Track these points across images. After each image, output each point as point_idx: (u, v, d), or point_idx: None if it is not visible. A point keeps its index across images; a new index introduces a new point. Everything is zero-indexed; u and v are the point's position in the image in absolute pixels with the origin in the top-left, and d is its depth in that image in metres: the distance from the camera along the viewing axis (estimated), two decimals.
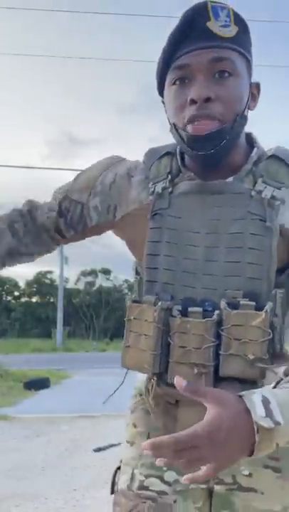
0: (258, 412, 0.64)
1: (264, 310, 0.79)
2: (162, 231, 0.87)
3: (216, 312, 0.80)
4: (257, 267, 0.82)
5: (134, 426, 0.96)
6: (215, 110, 0.80)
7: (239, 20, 0.82)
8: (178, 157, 0.92)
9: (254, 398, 0.66)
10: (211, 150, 0.81)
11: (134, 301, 0.88)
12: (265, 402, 0.65)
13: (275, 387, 0.71)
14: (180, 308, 0.83)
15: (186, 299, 0.84)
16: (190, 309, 0.82)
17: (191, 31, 0.80)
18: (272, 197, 0.83)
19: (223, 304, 0.80)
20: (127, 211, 0.94)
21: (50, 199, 1.04)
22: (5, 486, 3.13)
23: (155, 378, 0.86)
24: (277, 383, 0.72)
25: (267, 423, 0.63)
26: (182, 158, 0.92)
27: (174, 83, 0.84)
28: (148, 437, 0.89)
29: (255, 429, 0.63)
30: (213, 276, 0.83)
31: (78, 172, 1.05)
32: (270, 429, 0.64)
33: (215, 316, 0.80)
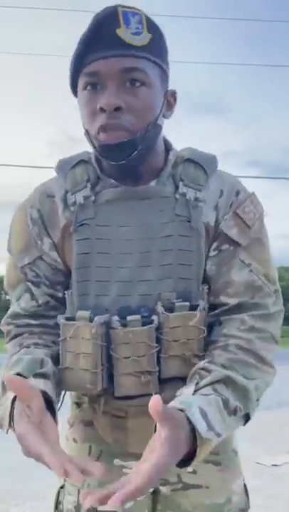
0: (200, 425, 0.66)
1: (198, 309, 0.83)
2: (91, 242, 0.84)
3: (154, 317, 0.82)
4: (187, 267, 0.85)
5: (75, 441, 0.93)
6: (124, 120, 0.78)
7: (152, 27, 0.80)
8: (95, 164, 0.89)
9: (194, 413, 0.67)
10: (123, 160, 0.81)
11: (68, 319, 0.83)
12: (204, 414, 0.68)
13: (195, 391, 0.74)
14: (118, 318, 0.81)
15: (121, 308, 0.83)
16: (129, 318, 0.81)
17: (101, 38, 0.77)
18: (196, 198, 0.86)
19: (160, 308, 0.82)
20: (59, 232, 0.88)
21: (16, 300, 0.91)
22: (4, 485, 3.13)
23: (101, 395, 0.84)
24: (197, 386, 0.74)
25: (210, 436, 0.67)
26: (99, 166, 0.89)
27: (85, 88, 0.81)
28: (90, 452, 0.88)
29: (199, 443, 0.65)
30: (147, 281, 0.84)
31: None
32: (210, 440, 0.67)
33: (155, 322, 0.81)
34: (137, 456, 0.86)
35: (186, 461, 0.66)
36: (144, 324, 0.81)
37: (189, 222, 0.85)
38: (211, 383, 0.75)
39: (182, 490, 0.88)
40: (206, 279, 0.88)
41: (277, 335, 0.86)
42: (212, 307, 0.88)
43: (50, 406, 0.71)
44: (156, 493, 0.89)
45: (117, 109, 0.78)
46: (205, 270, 0.88)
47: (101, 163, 0.89)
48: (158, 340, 0.82)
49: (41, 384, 0.73)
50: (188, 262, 0.85)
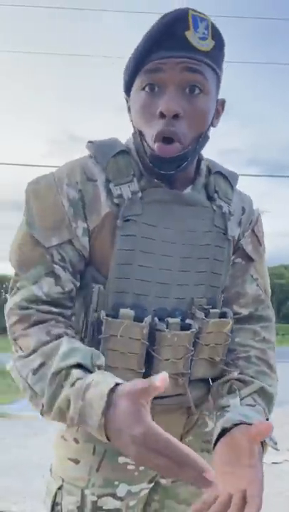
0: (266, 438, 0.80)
1: (229, 317, 0.90)
2: (136, 239, 0.82)
3: (189, 321, 0.85)
4: (217, 276, 0.90)
5: (76, 441, 0.89)
6: (180, 129, 0.79)
7: (216, 35, 0.81)
8: (137, 159, 0.88)
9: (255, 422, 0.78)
10: (172, 171, 0.82)
11: (109, 316, 0.80)
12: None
13: (241, 399, 0.85)
14: (157, 320, 0.82)
15: (159, 309, 0.83)
16: (170, 321, 0.82)
17: (168, 38, 0.78)
18: (229, 212, 0.91)
19: (199, 313, 0.86)
20: (99, 219, 0.83)
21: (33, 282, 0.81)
22: (4, 483, 3.13)
23: None
24: (240, 396, 0.85)
25: (273, 444, 0.84)
26: (141, 161, 0.88)
27: (143, 88, 0.81)
28: (94, 451, 0.87)
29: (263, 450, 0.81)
30: (184, 286, 0.86)
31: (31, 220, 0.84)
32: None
33: (195, 327, 0.85)
34: None
35: None
36: (181, 328, 0.83)
37: (225, 234, 0.90)
38: (250, 394, 0.85)
39: (181, 480, 0.90)
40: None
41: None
42: None
43: None
44: (156, 485, 0.91)
45: (176, 116, 0.78)
46: None
47: (143, 158, 0.86)
48: (193, 344, 0.86)
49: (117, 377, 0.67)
50: (219, 272, 0.90)
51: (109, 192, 0.84)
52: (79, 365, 0.69)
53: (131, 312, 0.80)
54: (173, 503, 0.92)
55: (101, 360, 0.72)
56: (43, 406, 0.71)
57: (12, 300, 0.82)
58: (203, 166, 0.93)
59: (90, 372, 0.69)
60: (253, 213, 0.98)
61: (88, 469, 0.87)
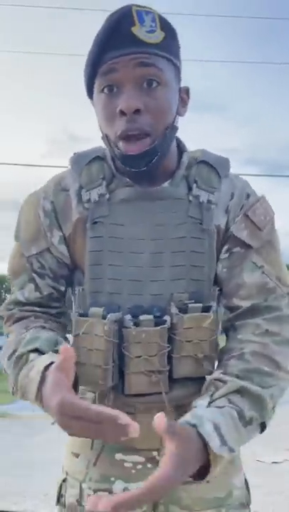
0: (214, 442, 0.67)
1: (211, 311, 0.84)
2: (104, 240, 0.85)
3: (166, 317, 0.82)
4: (199, 268, 0.86)
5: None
6: (144, 123, 0.79)
7: (165, 25, 0.81)
8: (110, 162, 0.89)
9: (207, 429, 0.68)
10: (144, 168, 0.81)
11: (81, 315, 0.84)
12: (217, 429, 0.69)
13: (211, 402, 0.74)
14: (130, 317, 0.82)
15: (134, 307, 0.84)
16: (142, 318, 0.82)
17: (116, 36, 0.78)
18: (209, 201, 0.88)
19: (174, 309, 0.83)
20: (72, 226, 0.88)
21: (15, 293, 0.91)
22: (4, 483, 3.13)
23: (111, 391, 0.84)
24: (211, 396, 0.75)
25: (223, 452, 0.67)
26: (114, 164, 0.89)
27: (102, 90, 0.81)
28: (92, 445, 0.88)
29: (212, 459, 0.67)
30: (159, 281, 0.85)
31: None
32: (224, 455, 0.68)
33: (168, 322, 0.82)
34: (142, 452, 0.88)
35: (202, 474, 0.68)
36: (156, 324, 0.81)
37: (201, 224, 0.86)
38: (226, 394, 0.75)
39: (183, 484, 0.88)
40: (217, 282, 0.90)
41: None
42: (227, 311, 0.90)
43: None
44: None
45: (137, 111, 0.78)
46: (216, 273, 0.89)
47: (116, 161, 0.88)
48: (170, 341, 0.83)
49: None
50: (201, 264, 0.86)
51: (80, 199, 0.88)
52: (37, 350, 0.78)
53: (99, 310, 0.81)
54: (176, 508, 0.89)
55: (60, 346, 0.78)
56: (13, 387, 0.80)
57: (3, 304, 0.94)
58: (185, 159, 0.91)
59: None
60: (244, 197, 0.91)
61: (86, 463, 0.88)
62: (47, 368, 0.70)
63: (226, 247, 0.89)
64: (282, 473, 3.38)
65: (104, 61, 0.79)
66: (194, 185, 0.88)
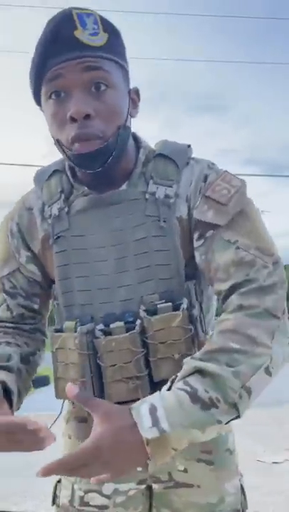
0: (145, 423, 0.65)
1: (180, 309, 0.80)
2: (68, 253, 0.86)
3: (138, 322, 0.81)
4: (166, 267, 0.83)
5: (69, 437, 0.94)
6: (96, 128, 0.78)
7: (108, 26, 0.80)
8: (68, 173, 0.89)
9: (142, 409, 0.66)
10: (99, 168, 0.81)
11: (56, 331, 0.86)
12: (152, 410, 0.66)
13: (170, 387, 0.70)
14: (102, 327, 0.82)
15: (106, 315, 0.83)
16: (112, 326, 0.81)
17: (59, 41, 0.76)
18: (166, 196, 0.84)
19: (142, 312, 0.81)
20: (39, 244, 0.91)
21: None
22: (4, 484, 3.13)
23: None
24: (172, 382, 0.70)
25: (152, 433, 0.64)
26: (73, 174, 0.89)
27: (49, 97, 0.80)
28: None
29: (144, 441, 0.64)
30: (127, 286, 0.84)
31: None
32: (159, 438, 0.64)
33: (137, 327, 0.80)
34: None
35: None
36: (128, 330, 0.81)
37: (159, 221, 0.84)
38: (184, 377, 0.70)
39: (174, 488, 0.88)
40: (193, 275, 0.86)
41: (277, 308, 0.74)
42: (217, 296, 0.84)
43: (8, 397, 0.77)
44: (150, 489, 0.90)
45: (87, 116, 0.77)
46: (197, 263, 0.84)
47: (74, 171, 0.89)
48: (145, 344, 0.81)
49: (2, 374, 0.78)
50: (167, 262, 0.83)
51: (43, 215, 0.90)
52: None
53: (72, 324, 0.83)
54: (168, 511, 0.89)
55: (11, 362, 0.82)
56: None
57: None
58: (142, 155, 0.89)
59: None
60: (201, 180, 0.86)
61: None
62: None
63: (196, 235, 0.83)
64: (282, 474, 3.37)
65: (49, 67, 0.78)
66: (151, 181, 0.85)
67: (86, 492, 0.88)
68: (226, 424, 0.69)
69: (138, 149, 0.90)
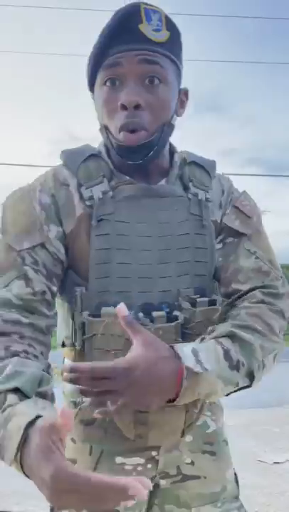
0: (188, 359, 0.72)
1: (217, 304, 0.88)
2: (111, 237, 0.84)
3: (176, 313, 0.84)
4: (202, 264, 0.90)
5: (73, 441, 0.90)
6: (143, 119, 0.82)
7: (171, 26, 0.83)
8: (107, 160, 0.90)
9: (185, 349, 0.73)
10: (140, 160, 0.84)
11: (92, 316, 0.81)
12: (195, 353, 0.73)
13: (201, 340, 0.80)
14: (142, 315, 0.82)
15: (144, 304, 0.84)
16: (155, 315, 0.82)
17: (123, 32, 0.80)
18: (206, 199, 0.92)
19: (185, 304, 0.85)
20: (74, 223, 0.86)
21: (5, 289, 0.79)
22: (5, 483, 3.13)
23: None
24: (202, 340, 0.80)
25: (196, 368, 0.72)
26: (111, 161, 0.90)
27: (104, 83, 0.84)
28: (91, 452, 0.87)
29: (185, 374, 0.71)
30: (167, 278, 0.86)
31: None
32: (198, 374, 0.71)
33: (180, 318, 0.83)
34: (143, 453, 0.88)
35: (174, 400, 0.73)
36: (168, 320, 0.82)
37: (202, 220, 0.90)
38: (216, 337, 0.79)
39: (181, 482, 0.90)
40: (215, 274, 0.93)
41: (286, 312, 0.90)
42: (226, 297, 0.93)
43: None
44: (155, 487, 0.90)
45: (137, 106, 0.80)
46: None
47: (112, 158, 0.90)
48: (183, 335, 0.84)
49: (43, 406, 0.65)
50: (204, 259, 0.90)
51: (81, 195, 0.87)
52: (18, 390, 0.65)
53: (112, 310, 0.80)
54: (173, 507, 0.90)
55: (47, 387, 0.69)
56: None
57: None
58: (177, 159, 0.94)
59: (29, 397, 0.65)
60: (232, 192, 0.98)
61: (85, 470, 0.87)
62: (31, 423, 0.58)
63: (219, 238, 0.95)
64: (283, 474, 3.37)
65: (110, 54, 0.81)
66: (190, 183, 0.91)
67: None
68: (236, 390, 0.79)
69: (171, 153, 0.94)
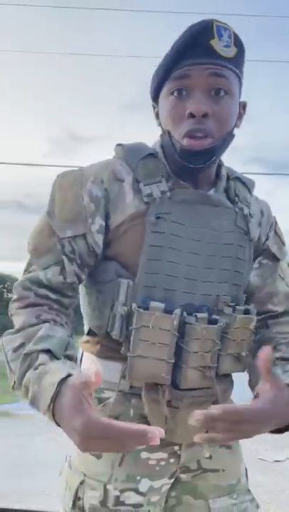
0: None
1: (252, 314, 0.92)
2: (166, 236, 0.86)
3: (215, 316, 0.87)
4: (240, 275, 0.93)
5: None
6: (209, 126, 0.85)
7: (238, 42, 0.86)
8: (165, 162, 0.92)
9: None
10: (201, 165, 0.87)
11: (141, 308, 0.82)
12: None
13: (283, 372, 0.86)
14: (186, 314, 0.84)
15: (186, 304, 0.86)
16: (199, 315, 0.84)
17: (195, 46, 0.84)
18: (250, 214, 0.96)
19: (227, 309, 0.89)
20: (123, 218, 0.87)
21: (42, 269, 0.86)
22: (7, 482, 3.14)
23: (166, 385, 0.84)
24: (284, 369, 0.87)
25: None
26: (168, 164, 0.92)
27: (172, 93, 0.87)
28: None
29: None
30: (210, 283, 0.89)
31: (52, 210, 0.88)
32: None
33: (224, 322, 0.87)
34: (166, 448, 0.89)
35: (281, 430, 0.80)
36: (209, 322, 0.85)
37: (246, 234, 0.94)
38: None
39: (201, 475, 0.93)
40: (247, 288, 0.98)
41: None
42: (256, 313, 0.97)
43: None
44: (175, 481, 0.92)
45: (205, 115, 0.84)
46: (249, 280, 0.98)
47: (171, 159, 0.91)
48: (221, 339, 0.87)
49: (71, 368, 0.72)
50: (242, 270, 0.94)
51: (137, 191, 0.88)
52: (49, 351, 0.75)
53: (161, 305, 0.82)
54: (190, 498, 0.92)
55: (73, 351, 0.78)
56: (14, 382, 0.77)
57: (20, 280, 0.88)
58: (224, 172, 0.97)
59: (58, 359, 0.74)
60: (271, 215, 1.04)
61: (111, 464, 0.87)
62: (63, 380, 0.67)
63: (259, 259, 1.01)
64: (284, 472, 3.38)
65: (180, 66, 0.85)
66: (236, 198, 0.95)
67: (122, 491, 0.87)
68: None
69: (218, 165, 0.97)
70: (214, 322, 0.86)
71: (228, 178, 0.98)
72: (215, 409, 0.67)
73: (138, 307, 0.82)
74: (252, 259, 0.97)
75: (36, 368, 0.72)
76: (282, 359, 0.90)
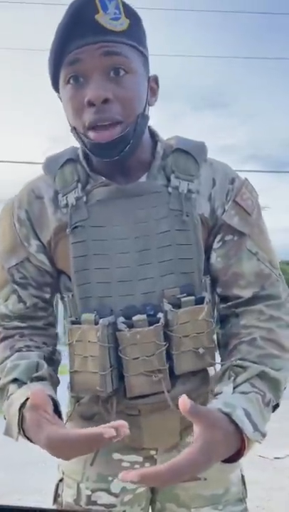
0: (248, 429, 0.67)
1: (204, 303, 0.82)
2: (87, 244, 0.82)
3: (160, 315, 0.80)
4: (188, 261, 0.83)
5: None
6: (114, 112, 0.76)
7: (130, 12, 0.78)
8: (83, 163, 0.87)
9: (239, 415, 0.67)
10: (116, 157, 0.80)
11: (73, 323, 0.82)
12: (248, 416, 0.68)
13: (235, 387, 0.75)
14: (123, 320, 0.80)
15: (126, 308, 0.82)
16: (134, 319, 0.79)
17: (79, 25, 0.75)
18: (189, 190, 0.84)
19: (167, 305, 0.81)
20: (49, 234, 0.86)
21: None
22: (6, 480, 3.14)
23: (113, 396, 0.82)
24: (235, 382, 0.75)
25: (256, 437, 0.68)
26: (88, 163, 0.87)
27: (68, 81, 0.78)
28: None
29: (246, 444, 0.68)
30: (149, 279, 0.83)
31: None
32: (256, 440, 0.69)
33: (162, 320, 0.80)
34: (141, 451, 0.87)
35: (233, 458, 0.69)
36: (150, 323, 0.79)
37: (185, 215, 0.83)
38: (248, 379, 0.75)
39: (181, 482, 0.88)
40: (209, 271, 0.88)
41: None
42: (223, 299, 0.89)
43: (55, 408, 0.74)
44: (155, 488, 0.90)
45: (105, 101, 0.75)
46: (210, 262, 0.88)
47: (90, 159, 0.87)
48: (167, 338, 0.81)
49: (39, 387, 0.76)
50: (189, 256, 0.84)
51: (57, 205, 0.86)
52: (16, 380, 0.78)
53: (91, 316, 0.80)
54: (173, 506, 0.89)
55: (43, 370, 0.81)
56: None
57: None
58: (160, 148, 0.88)
59: (26, 384, 0.78)
60: (229, 182, 0.88)
61: (83, 463, 0.88)
62: (23, 405, 0.72)
63: (219, 237, 0.87)
64: (284, 469, 3.38)
65: (69, 51, 0.76)
66: (172, 175, 0.85)
67: (93, 491, 0.87)
68: None
69: (155, 143, 0.89)
70: (157, 321, 0.80)
71: (170, 153, 0.87)
72: (161, 467, 0.59)
73: (72, 322, 0.83)
74: (200, 241, 0.85)
75: (8, 399, 0.77)
76: (239, 366, 0.78)
